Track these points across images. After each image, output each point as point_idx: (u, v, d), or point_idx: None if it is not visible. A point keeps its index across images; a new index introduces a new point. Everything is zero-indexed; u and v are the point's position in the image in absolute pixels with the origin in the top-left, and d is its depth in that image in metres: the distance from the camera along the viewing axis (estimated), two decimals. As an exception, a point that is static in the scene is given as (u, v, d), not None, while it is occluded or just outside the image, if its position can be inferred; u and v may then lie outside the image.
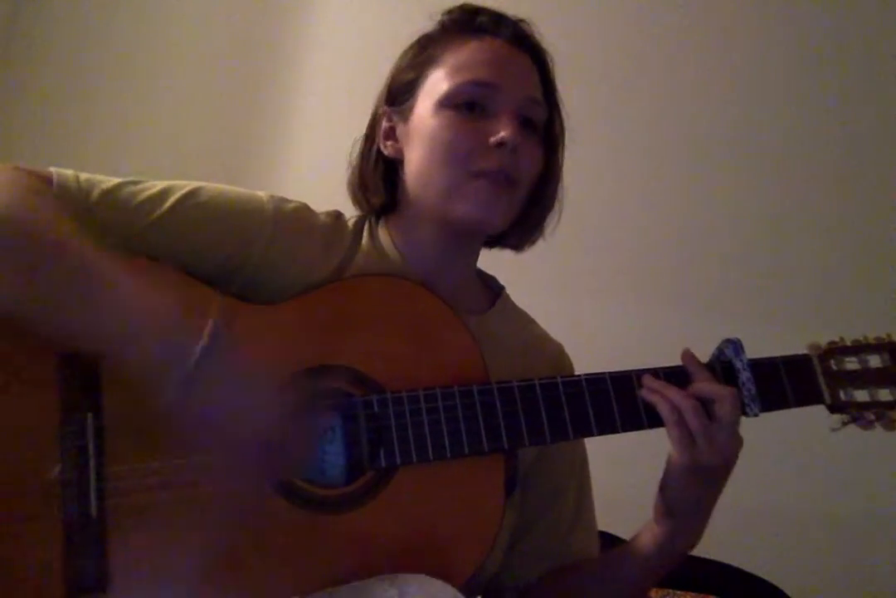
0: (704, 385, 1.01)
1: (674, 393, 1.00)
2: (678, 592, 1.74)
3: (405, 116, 1.13)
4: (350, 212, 1.20)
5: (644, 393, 1.02)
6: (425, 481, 0.99)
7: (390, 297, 1.05)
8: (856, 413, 1.05)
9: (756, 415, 1.03)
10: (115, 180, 1.03)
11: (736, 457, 1.00)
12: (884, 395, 1.05)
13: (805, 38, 2.22)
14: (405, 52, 1.17)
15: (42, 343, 0.91)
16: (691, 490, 1.01)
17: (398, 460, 0.98)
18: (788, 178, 2.19)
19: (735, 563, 1.78)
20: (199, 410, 0.88)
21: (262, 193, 1.10)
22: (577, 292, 2.17)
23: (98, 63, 2.41)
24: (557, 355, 1.23)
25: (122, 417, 0.94)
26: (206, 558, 0.93)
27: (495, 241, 1.21)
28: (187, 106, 2.41)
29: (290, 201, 1.11)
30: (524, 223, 1.18)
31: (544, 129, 1.15)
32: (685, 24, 2.28)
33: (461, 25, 1.15)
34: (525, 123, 1.10)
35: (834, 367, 1.06)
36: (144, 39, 2.42)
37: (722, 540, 1.69)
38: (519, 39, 1.14)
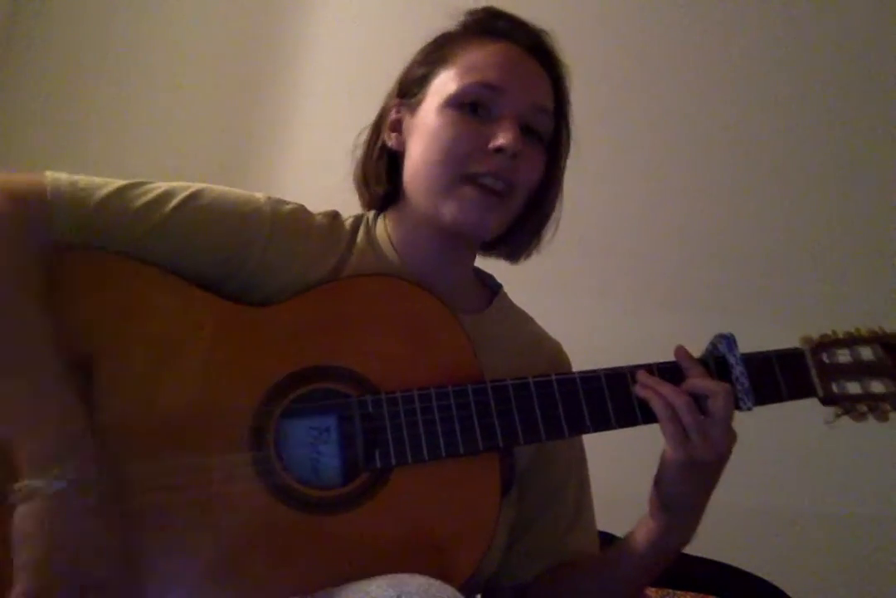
0: (698, 381, 1.01)
1: (667, 389, 1.00)
2: (678, 592, 1.74)
3: (413, 109, 1.13)
4: (347, 212, 1.20)
5: (638, 389, 1.02)
6: (421, 481, 0.99)
7: (385, 297, 1.05)
8: (848, 406, 1.05)
9: (750, 409, 1.03)
10: (114, 184, 1.02)
11: (730, 452, 1.00)
12: (876, 387, 1.06)
13: (805, 39, 2.22)
14: (423, 48, 1.17)
15: None
16: (686, 485, 1.01)
17: (393, 461, 0.98)
18: (787, 178, 2.19)
19: (735, 563, 1.78)
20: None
21: (259, 195, 1.10)
22: (576, 292, 2.17)
23: (98, 63, 2.41)
24: (555, 353, 1.23)
25: (118, 420, 0.94)
26: (203, 561, 0.93)
27: (490, 249, 1.21)
28: (187, 106, 2.41)
29: (287, 203, 1.12)
30: (519, 234, 1.18)
31: (550, 140, 1.14)
32: (686, 23, 2.28)
33: (481, 27, 1.15)
34: (528, 131, 1.09)
35: (826, 360, 1.06)
36: (144, 39, 2.42)
37: (722, 540, 1.70)
38: (536, 48, 1.13)
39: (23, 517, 0.85)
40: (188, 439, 0.96)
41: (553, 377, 1.02)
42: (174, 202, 1.03)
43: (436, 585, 0.89)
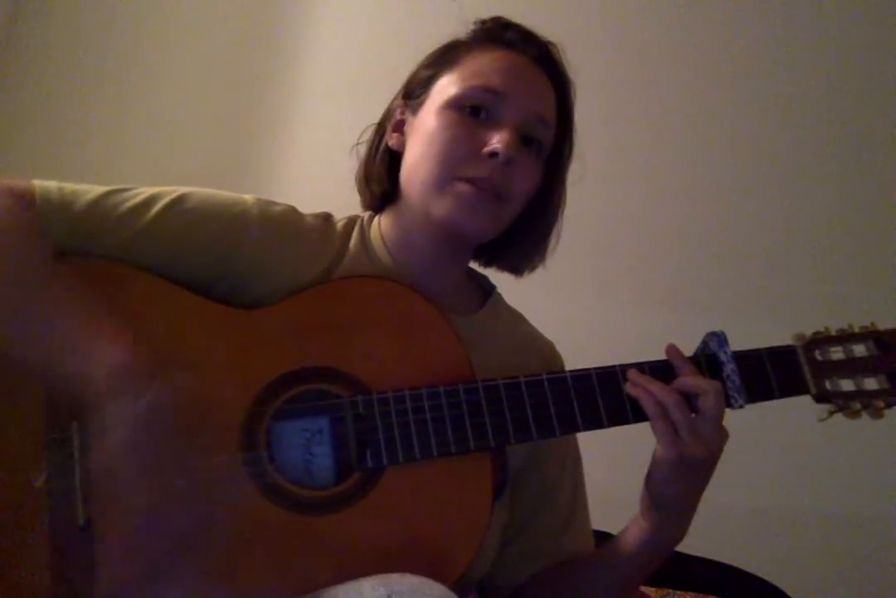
0: (688, 379, 1.01)
1: (657, 387, 1.00)
2: (678, 592, 1.74)
3: (415, 110, 1.14)
4: (347, 212, 1.20)
5: (628, 388, 1.02)
6: (413, 481, 0.99)
7: (377, 298, 1.05)
8: (842, 403, 1.05)
9: (742, 407, 1.03)
10: (100, 190, 1.03)
11: (721, 450, 1.00)
12: (869, 384, 1.05)
13: (805, 39, 2.22)
14: (432, 52, 1.18)
15: None
16: (677, 484, 1.00)
17: (385, 461, 0.98)
18: (787, 178, 2.19)
19: (735, 563, 1.78)
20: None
21: (248, 197, 1.10)
22: (576, 291, 2.17)
23: (98, 63, 2.42)
24: (548, 352, 1.23)
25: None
26: (195, 562, 0.92)
27: (491, 261, 1.22)
28: (187, 106, 2.41)
29: (276, 204, 1.12)
30: (520, 246, 1.18)
31: (551, 154, 1.14)
32: (686, 23, 2.28)
33: (489, 35, 1.15)
34: (527, 140, 1.09)
35: (819, 357, 1.06)
36: (144, 39, 2.42)
37: (722, 540, 1.70)
38: (543, 60, 1.14)
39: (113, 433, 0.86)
40: (179, 440, 0.95)
41: (544, 377, 1.02)
42: (159, 206, 1.03)
43: (427, 584, 0.89)
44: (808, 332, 1.08)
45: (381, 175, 1.17)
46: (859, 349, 1.06)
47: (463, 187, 1.05)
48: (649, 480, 1.03)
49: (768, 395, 1.04)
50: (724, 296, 2.13)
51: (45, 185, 1.01)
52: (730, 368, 1.03)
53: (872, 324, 1.07)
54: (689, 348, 1.06)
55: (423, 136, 1.10)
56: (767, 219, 2.17)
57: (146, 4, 2.45)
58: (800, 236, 2.16)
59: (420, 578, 0.90)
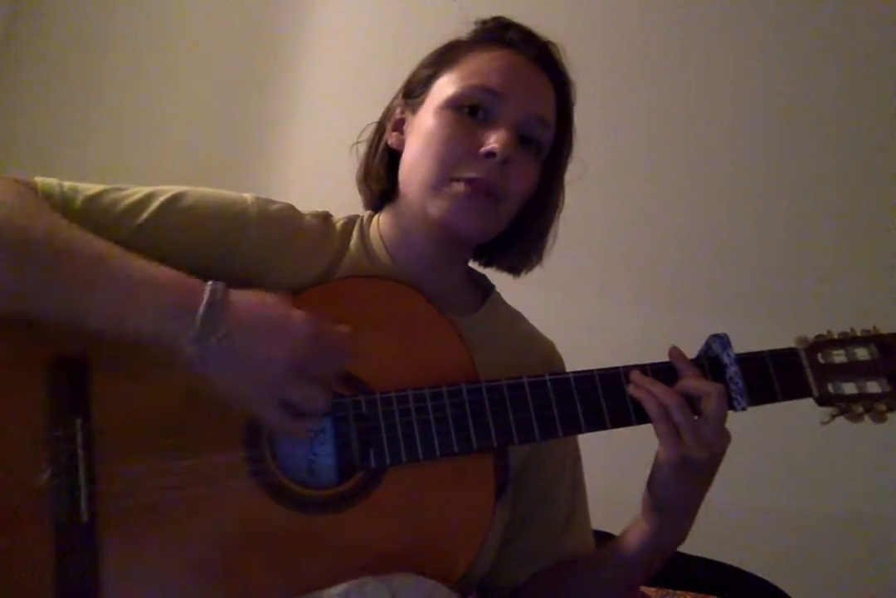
0: (691, 382, 1.01)
1: (659, 389, 1.00)
2: (678, 592, 1.74)
3: (415, 109, 1.14)
4: (343, 213, 1.20)
5: (631, 389, 1.02)
6: (415, 481, 0.99)
7: (378, 298, 1.05)
8: (844, 406, 1.04)
9: (744, 409, 1.02)
10: (99, 187, 1.03)
11: (723, 452, 0.99)
12: (872, 387, 1.05)
13: (805, 39, 2.22)
14: (432, 52, 1.17)
15: (47, 337, 0.92)
16: (679, 485, 1.00)
17: (388, 461, 0.98)
18: (787, 178, 2.19)
19: (735, 563, 1.78)
20: (227, 348, 0.88)
21: (246, 195, 1.09)
22: (576, 291, 2.17)
23: (98, 63, 2.42)
24: (548, 352, 1.23)
25: (113, 420, 0.94)
26: (198, 561, 0.93)
27: (490, 262, 1.22)
28: (187, 106, 2.42)
29: (274, 202, 1.11)
30: (518, 246, 1.18)
31: (550, 155, 1.14)
32: (686, 23, 2.28)
33: (490, 35, 1.15)
34: (525, 140, 1.09)
35: (821, 360, 1.06)
36: (144, 39, 2.42)
37: (722, 540, 1.70)
38: (543, 60, 1.14)
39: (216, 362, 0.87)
40: (182, 438, 0.96)
41: (547, 377, 1.02)
42: (156, 203, 1.03)
43: (429, 584, 0.90)
44: (810, 334, 1.08)
45: (380, 174, 1.17)
46: (862, 353, 1.06)
47: (459, 187, 1.05)
48: (651, 481, 1.03)
49: (771, 398, 1.04)
50: (725, 296, 2.14)
51: (47, 181, 1.01)
52: (733, 370, 1.03)
53: (875, 327, 1.07)
54: (688, 348, 1.06)
55: (422, 135, 1.10)
56: (768, 219, 2.18)
57: (146, 4, 2.45)
58: (800, 236, 2.16)
59: (421, 578, 0.90)
